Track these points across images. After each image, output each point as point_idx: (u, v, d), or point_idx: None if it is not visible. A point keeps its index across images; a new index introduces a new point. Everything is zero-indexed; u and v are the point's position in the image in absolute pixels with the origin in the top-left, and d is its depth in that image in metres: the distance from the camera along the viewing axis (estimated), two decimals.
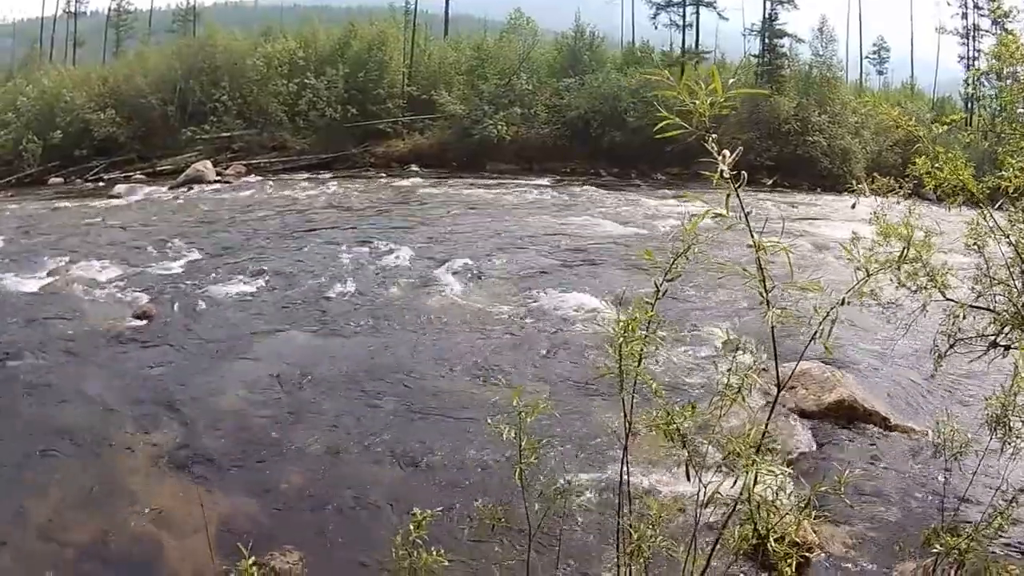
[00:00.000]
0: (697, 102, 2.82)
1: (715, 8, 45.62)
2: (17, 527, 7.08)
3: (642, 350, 3.30)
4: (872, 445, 8.66)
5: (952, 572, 4.34)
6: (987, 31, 43.11)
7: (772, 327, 2.96)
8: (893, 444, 8.69)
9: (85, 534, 6.98)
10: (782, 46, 41.66)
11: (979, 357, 6.67)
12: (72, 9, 53.23)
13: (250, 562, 3.57)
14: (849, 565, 6.53)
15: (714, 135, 2.80)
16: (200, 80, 37.96)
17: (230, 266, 16.13)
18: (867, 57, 55.60)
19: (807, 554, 5.66)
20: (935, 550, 4.20)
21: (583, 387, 9.58)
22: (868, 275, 3.27)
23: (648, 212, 24.34)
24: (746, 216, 2.85)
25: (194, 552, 6.51)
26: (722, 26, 47.30)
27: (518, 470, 3.58)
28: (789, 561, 3.19)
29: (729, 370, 3.40)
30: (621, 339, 3.27)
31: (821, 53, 40.53)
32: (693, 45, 44.81)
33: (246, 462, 8.19)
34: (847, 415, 9.15)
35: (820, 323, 3.12)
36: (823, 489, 3.27)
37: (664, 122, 2.89)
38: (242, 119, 37.48)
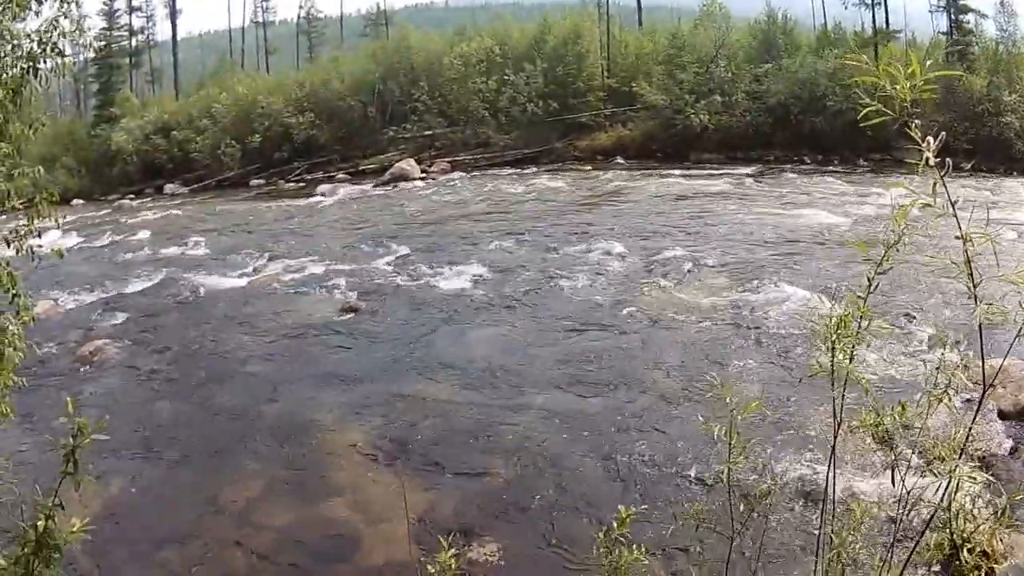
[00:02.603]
0: (898, 87, 2.69)
1: None
2: (215, 511, 7.49)
3: (854, 347, 3.14)
4: None
5: None
6: None
7: (980, 324, 2.79)
8: None
9: (283, 520, 7.25)
10: (967, 22, 38.89)
11: None
12: (260, 19, 56.43)
13: (449, 554, 3.66)
14: None
15: (917, 121, 2.68)
16: (398, 81, 39.38)
17: (437, 261, 16.32)
18: None
19: (995, 565, 5.30)
20: None
21: (790, 384, 9.16)
22: None
23: (852, 200, 22.73)
24: (952, 205, 2.70)
25: (393, 541, 6.68)
26: (909, 3, 44.54)
27: (726, 470, 3.50)
28: (978, 573, 3.02)
29: (937, 368, 3.22)
30: (834, 336, 3.14)
31: (1005, 28, 37.70)
32: (883, 24, 42.51)
33: (449, 454, 8.27)
34: None
35: None
36: (1020, 497, 3.05)
37: (867, 109, 2.77)
38: (443, 117, 38.30)
